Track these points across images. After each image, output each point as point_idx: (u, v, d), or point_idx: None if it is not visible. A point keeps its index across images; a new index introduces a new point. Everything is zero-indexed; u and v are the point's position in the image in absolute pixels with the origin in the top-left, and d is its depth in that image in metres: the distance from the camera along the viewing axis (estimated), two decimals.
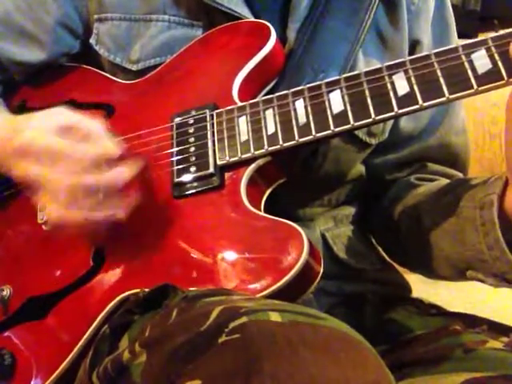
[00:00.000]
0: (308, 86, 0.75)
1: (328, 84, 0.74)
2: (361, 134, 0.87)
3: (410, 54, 0.90)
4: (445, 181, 0.91)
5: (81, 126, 0.72)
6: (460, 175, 0.96)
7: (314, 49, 0.84)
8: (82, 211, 0.69)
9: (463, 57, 0.68)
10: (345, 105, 0.72)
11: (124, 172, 0.71)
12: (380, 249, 0.99)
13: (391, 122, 0.90)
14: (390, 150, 0.94)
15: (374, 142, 0.90)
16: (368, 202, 0.99)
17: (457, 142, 0.96)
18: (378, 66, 0.73)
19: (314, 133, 0.72)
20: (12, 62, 0.94)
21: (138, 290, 0.71)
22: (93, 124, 0.73)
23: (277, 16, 0.87)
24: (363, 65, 0.85)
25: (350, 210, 0.97)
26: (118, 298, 0.73)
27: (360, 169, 0.94)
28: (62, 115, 0.74)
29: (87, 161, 0.70)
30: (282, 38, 0.85)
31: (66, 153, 0.69)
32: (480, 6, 2.40)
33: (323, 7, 0.86)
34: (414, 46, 0.91)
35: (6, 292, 0.81)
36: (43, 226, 0.83)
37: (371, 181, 0.97)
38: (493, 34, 0.68)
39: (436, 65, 0.69)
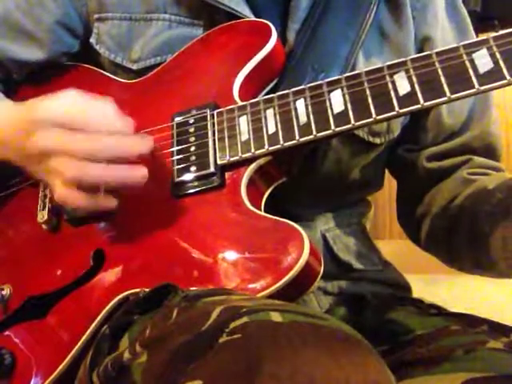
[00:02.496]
0: (309, 85, 0.75)
1: (329, 83, 0.74)
2: (362, 133, 0.87)
3: (420, 51, 0.89)
4: (498, 175, 0.91)
5: (95, 103, 0.73)
6: (503, 167, 0.96)
7: (315, 48, 0.84)
8: (100, 167, 0.69)
9: (464, 56, 0.68)
10: (345, 104, 0.72)
11: (142, 143, 0.72)
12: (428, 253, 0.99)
13: (398, 120, 0.90)
14: (432, 144, 0.94)
15: (378, 141, 0.89)
16: (410, 203, 0.99)
17: (495, 132, 0.96)
18: (379, 65, 0.72)
19: (314, 132, 0.72)
20: (11, 60, 0.94)
21: (138, 290, 0.71)
22: (103, 103, 0.73)
23: (277, 16, 0.87)
24: (364, 64, 0.85)
25: (352, 211, 0.97)
26: (117, 298, 0.73)
27: (365, 170, 0.93)
28: (72, 93, 0.74)
29: (106, 131, 0.70)
30: (283, 38, 0.85)
31: (84, 121, 0.70)
32: (480, 6, 2.40)
33: (323, 7, 0.86)
34: (424, 42, 0.91)
35: (6, 291, 0.81)
36: (43, 226, 0.83)
37: (409, 178, 0.97)
38: (494, 34, 0.68)
39: (437, 64, 0.69)
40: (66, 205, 0.73)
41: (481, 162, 0.94)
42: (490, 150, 0.95)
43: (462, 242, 0.88)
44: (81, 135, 0.69)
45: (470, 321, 0.80)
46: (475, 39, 0.69)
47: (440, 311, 0.87)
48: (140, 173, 0.71)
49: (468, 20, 0.96)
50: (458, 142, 0.94)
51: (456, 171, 0.93)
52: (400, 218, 1.03)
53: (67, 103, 0.72)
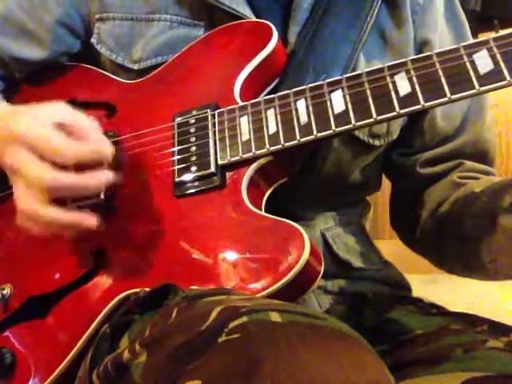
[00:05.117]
0: (309, 85, 0.75)
1: (329, 84, 0.74)
2: (362, 135, 0.87)
3: (418, 54, 0.90)
4: (486, 179, 0.92)
5: (77, 124, 0.73)
6: (493, 171, 0.97)
7: (316, 50, 0.84)
8: (52, 208, 0.70)
9: (465, 57, 0.68)
10: (346, 105, 0.72)
11: (101, 179, 0.72)
12: (424, 257, 1.00)
13: (397, 122, 0.90)
14: (425, 149, 0.95)
15: (378, 143, 0.90)
16: (403, 208, 1.00)
17: (488, 137, 0.97)
18: (380, 66, 0.73)
19: (315, 132, 0.72)
20: (12, 58, 0.95)
21: (138, 290, 0.71)
22: (89, 124, 0.74)
23: (278, 17, 0.87)
24: (365, 66, 0.85)
25: (351, 211, 0.97)
26: (118, 298, 0.73)
27: (365, 171, 0.93)
28: (60, 110, 0.74)
29: (73, 159, 0.70)
30: (284, 40, 0.85)
31: (55, 146, 0.69)
32: (480, 6, 2.40)
33: (324, 9, 0.86)
34: (423, 46, 0.91)
35: (7, 291, 0.82)
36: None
37: (402, 182, 0.98)
38: (494, 35, 0.68)
39: (438, 65, 0.69)
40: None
41: (472, 166, 0.95)
42: (482, 155, 0.96)
43: (450, 244, 0.89)
44: (42, 168, 0.69)
45: (470, 320, 0.80)
46: (475, 40, 0.69)
47: (440, 311, 0.87)
48: (92, 221, 0.72)
49: (466, 24, 0.97)
50: (451, 146, 0.95)
51: (447, 175, 0.94)
52: (393, 221, 1.04)
53: (48, 123, 0.71)
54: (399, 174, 0.98)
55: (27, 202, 0.70)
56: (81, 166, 0.71)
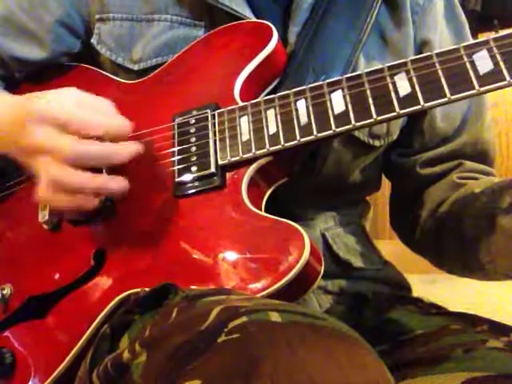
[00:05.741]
0: (309, 86, 0.75)
1: (329, 84, 0.74)
2: (362, 135, 0.87)
3: (418, 54, 0.90)
4: (486, 179, 0.92)
5: (95, 101, 0.75)
6: (493, 171, 0.97)
7: (316, 51, 0.84)
8: (80, 174, 0.71)
9: (465, 57, 0.68)
10: (346, 105, 0.72)
11: (127, 149, 0.73)
12: (423, 257, 1.00)
13: (397, 122, 0.90)
14: (425, 149, 0.95)
15: (378, 144, 0.90)
16: (403, 209, 1.00)
17: (488, 138, 0.97)
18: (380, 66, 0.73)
19: (315, 133, 0.72)
20: (12, 58, 0.94)
21: (138, 290, 0.71)
22: (106, 102, 0.76)
23: (278, 18, 0.87)
24: (365, 67, 0.85)
25: (351, 210, 0.97)
26: (118, 298, 0.73)
27: (365, 172, 0.94)
28: (76, 92, 0.76)
29: (97, 131, 0.71)
30: (284, 40, 0.85)
31: (76, 121, 0.71)
32: (480, 6, 2.40)
33: (324, 9, 0.86)
34: (423, 46, 0.91)
35: (7, 291, 0.82)
36: (44, 226, 0.84)
37: (402, 182, 0.99)
38: (494, 35, 0.68)
39: (437, 65, 0.69)
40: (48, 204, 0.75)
41: (471, 166, 0.95)
42: (481, 156, 0.96)
43: (450, 245, 0.89)
44: (69, 139, 0.70)
45: (470, 320, 0.80)
46: (475, 40, 0.69)
47: (440, 311, 0.87)
48: (118, 184, 0.73)
49: (466, 25, 0.97)
50: (451, 147, 0.95)
51: (447, 175, 0.94)
52: (392, 221, 1.05)
53: (67, 102, 0.73)
54: (399, 175, 0.98)
55: (55, 171, 0.70)
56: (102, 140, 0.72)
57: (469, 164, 0.95)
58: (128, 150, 0.73)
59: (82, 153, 0.70)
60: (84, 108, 0.73)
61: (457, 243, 0.87)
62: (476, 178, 0.92)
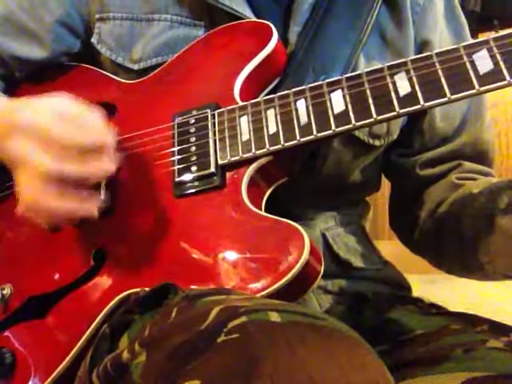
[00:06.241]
0: (309, 85, 0.75)
1: (329, 84, 0.74)
2: (362, 135, 0.87)
3: (418, 54, 0.90)
4: (484, 179, 0.92)
5: (79, 114, 0.72)
6: (492, 172, 0.97)
7: (316, 51, 0.84)
8: (55, 192, 0.69)
9: (465, 57, 0.68)
10: (346, 105, 0.72)
11: (102, 171, 0.71)
12: (422, 257, 1.00)
13: (397, 122, 0.90)
14: (425, 149, 0.95)
15: (378, 143, 0.90)
16: (402, 208, 1.00)
17: (488, 138, 0.97)
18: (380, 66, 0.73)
19: (315, 132, 0.72)
20: (13, 58, 0.95)
21: (138, 290, 0.71)
22: (91, 114, 0.73)
23: (278, 17, 0.87)
24: (365, 67, 0.85)
25: (351, 210, 0.97)
26: (118, 298, 0.73)
27: (365, 172, 0.94)
28: (62, 101, 0.74)
29: (75, 149, 0.69)
30: (284, 40, 0.85)
31: (58, 137, 0.69)
32: (480, 6, 2.40)
33: (325, 9, 0.86)
34: (423, 46, 0.91)
35: (7, 291, 0.82)
36: (44, 225, 0.83)
37: (402, 183, 0.99)
38: (494, 35, 0.68)
39: (437, 65, 0.69)
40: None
41: (470, 167, 0.95)
42: (481, 156, 0.96)
43: (449, 245, 0.89)
44: (48, 156, 0.69)
45: (470, 320, 0.80)
46: (475, 40, 0.69)
47: (440, 311, 0.87)
48: (90, 211, 0.71)
49: (466, 26, 0.97)
50: (450, 147, 0.95)
51: (446, 176, 0.94)
52: (392, 221, 1.05)
53: (54, 114, 0.71)
54: (399, 175, 0.98)
55: (29, 191, 0.70)
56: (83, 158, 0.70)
57: (468, 165, 0.95)
58: (103, 171, 0.71)
59: (57, 173, 0.69)
60: (70, 121, 0.71)
61: (456, 243, 0.87)
62: (474, 179, 0.92)
